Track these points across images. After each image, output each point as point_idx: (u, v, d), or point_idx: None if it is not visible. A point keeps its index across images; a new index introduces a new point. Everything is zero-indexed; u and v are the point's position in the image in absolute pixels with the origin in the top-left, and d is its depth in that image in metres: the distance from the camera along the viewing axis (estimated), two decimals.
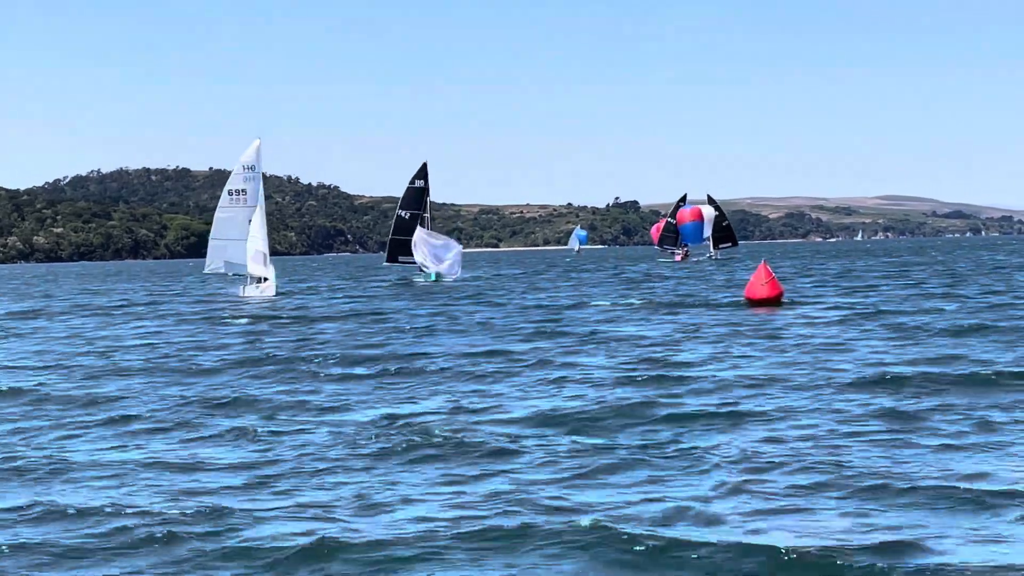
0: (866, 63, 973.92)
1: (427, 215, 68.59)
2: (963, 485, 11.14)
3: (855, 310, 34.55)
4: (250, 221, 53.77)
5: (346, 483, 12.07)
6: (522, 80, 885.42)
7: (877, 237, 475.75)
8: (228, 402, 18.06)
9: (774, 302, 37.19)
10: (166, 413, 17.06)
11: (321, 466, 12.86)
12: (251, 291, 53.81)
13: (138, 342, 30.34)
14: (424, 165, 69.59)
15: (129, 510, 10.99)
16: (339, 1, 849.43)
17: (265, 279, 53.68)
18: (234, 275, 55.88)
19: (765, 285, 37.85)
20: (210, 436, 15.07)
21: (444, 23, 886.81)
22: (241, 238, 53.84)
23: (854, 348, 23.69)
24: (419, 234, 64.17)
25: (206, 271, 56.92)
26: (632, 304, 41.07)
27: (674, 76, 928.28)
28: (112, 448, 14.41)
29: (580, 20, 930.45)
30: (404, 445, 13.81)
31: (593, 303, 42.43)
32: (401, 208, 69.56)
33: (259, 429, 15.26)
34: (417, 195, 69.07)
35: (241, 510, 10.93)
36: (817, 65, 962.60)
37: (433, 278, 63.96)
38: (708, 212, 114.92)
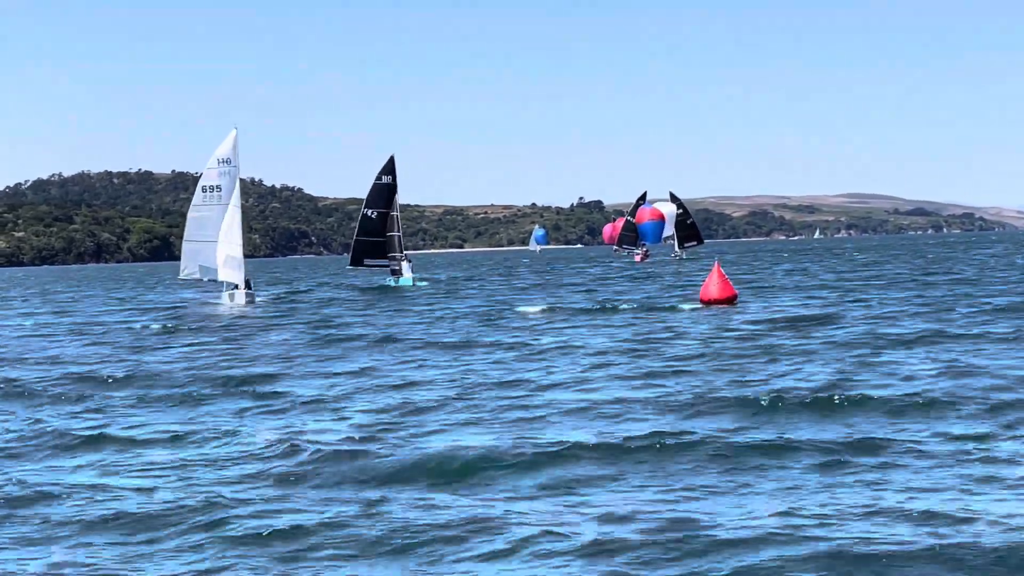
0: (830, 62, 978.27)
1: (396, 214, 63.50)
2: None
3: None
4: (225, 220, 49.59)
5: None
6: (487, 80, 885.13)
7: (840, 235, 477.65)
8: None
9: (728, 303, 37.88)
10: None
11: None
12: (238, 298, 49.36)
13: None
14: (391, 159, 64.02)
15: None
16: (302, 4, 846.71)
17: (238, 286, 49.74)
18: (209, 280, 51.72)
19: (718, 287, 38.45)
20: None
21: (408, 24, 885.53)
22: (218, 239, 49.76)
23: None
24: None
25: (180, 277, 52.61)
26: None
27: (638, 76, 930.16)
28: None
29: (544, 21, 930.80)
30: None
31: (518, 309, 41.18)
32: (367, 207, 63.91)
33: None
34: (384, 192, 63.75)
35: None
36: (780, 64, 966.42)
37: (410, 283, 61.72)
38: (669, 210, 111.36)
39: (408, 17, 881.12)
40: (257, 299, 52.20)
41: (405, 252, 64.30)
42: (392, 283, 62.65)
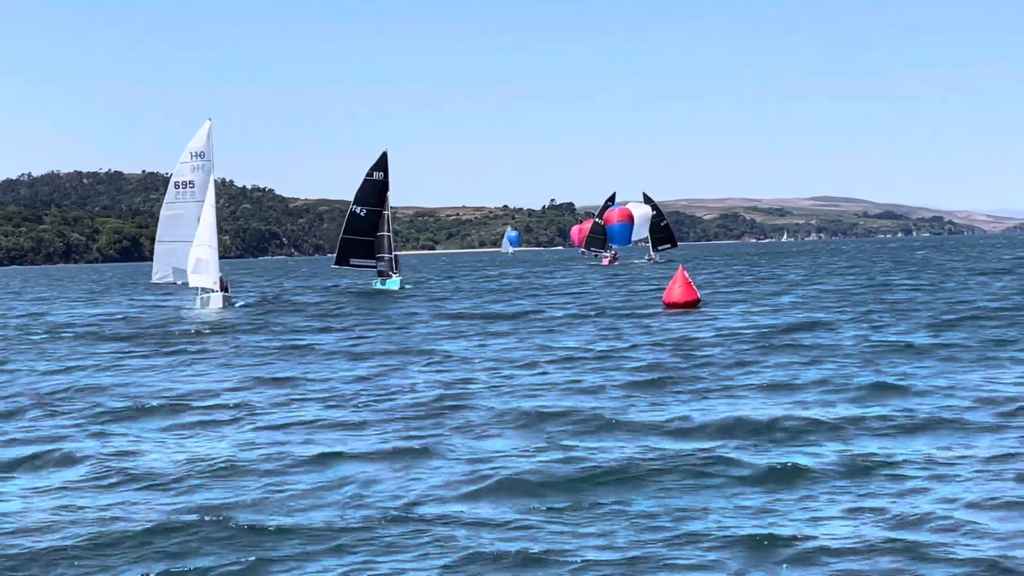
0: (800, 66, 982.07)
1: (387, 212, 60.45)
2: None
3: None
4: (199, 219, 46.10)
5: None
6: (458, 82, 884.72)
7: (810, 238, 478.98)
8: None
9: (691, 307, 38.58)
10: None
11: None
12: (214, 302, 45.64)
13: None
14: (384, 155, 60.80)
15: None
16: (270, 4, 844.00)
17: (213, 290, 46.05)
18: (183, 283, 48.03)
19: (680, 291, 38.77)
20: None
21: (379, 26, 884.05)
22: (193, 239, 46.16)
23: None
24: None
25: (153, 281, 49.54)
26: None
27: (610, 79, 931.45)
28: None
29: (515, 23, 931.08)
30: None
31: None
32: (356, 203, 60.47)
33: None
34: (375, 188, 60.28)
35: None
36: (751, 68, 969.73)
37: (397, 286, 59.13)
38: (642, 212, 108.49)
39: (380, 19, 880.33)
40: (236, 303, 48.99)
41: (395, 254, 61.62)
42: (379, 285, 60.32)
